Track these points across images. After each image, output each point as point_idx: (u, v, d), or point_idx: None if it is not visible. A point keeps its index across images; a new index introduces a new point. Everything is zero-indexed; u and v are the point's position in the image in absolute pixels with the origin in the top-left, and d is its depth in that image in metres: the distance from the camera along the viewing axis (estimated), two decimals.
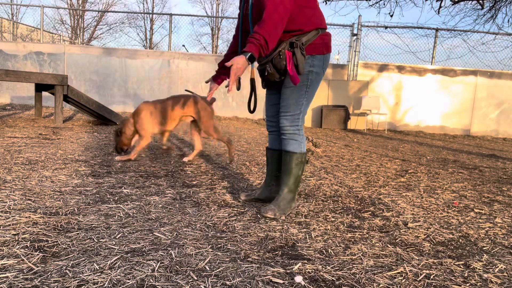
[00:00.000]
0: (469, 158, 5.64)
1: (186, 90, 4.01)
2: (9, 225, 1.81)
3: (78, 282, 1.33)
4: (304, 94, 2.19)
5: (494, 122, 10.24)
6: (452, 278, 1.55)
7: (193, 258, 1.58)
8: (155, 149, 4.44)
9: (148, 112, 3.56)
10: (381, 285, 1.45)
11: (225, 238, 1.82)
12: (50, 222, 1.88)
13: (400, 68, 10.10)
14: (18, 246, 1.59)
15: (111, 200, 2.33)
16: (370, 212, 2.43)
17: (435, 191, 3.17)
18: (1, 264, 1.43)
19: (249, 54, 1.94)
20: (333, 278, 1.48)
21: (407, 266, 1.63)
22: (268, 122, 2.43)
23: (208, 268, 1.49)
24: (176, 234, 1.83)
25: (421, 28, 10.27)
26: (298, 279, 1.44)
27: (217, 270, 1.48)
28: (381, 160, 4.82)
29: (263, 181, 2.57)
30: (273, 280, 1.43)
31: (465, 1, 8.65)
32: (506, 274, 1.62)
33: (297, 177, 2.25)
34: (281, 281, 1.42)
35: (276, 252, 1.70)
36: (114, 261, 1.51)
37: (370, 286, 1.43)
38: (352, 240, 1.92)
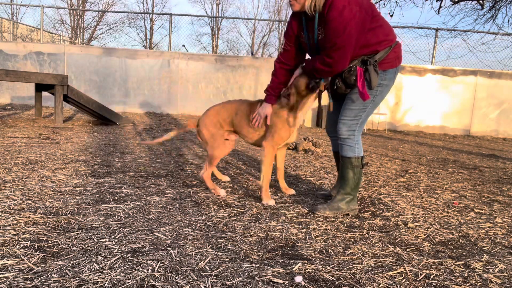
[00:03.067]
0: (469, 158, 5.64)
1: None
2: (9, 225, 1.81)
3: (78, 282, 1.33)
4: (369, 103, 2.25)
5: (494, 122, 10.23)
6: (452, 278, 1.55)
7: (193, 258, 1.58)
8: (154, 149, 4.44)
9: None
10: (381, 285, 1.45)
11: (225, 238, 1.82)
12: (50, 222, 1.88)
13: (400, 68, 10.10)
14: (18, 246, 1.59)
15: (111, 200, 2.33)
16: (370, 212, 2.43)
17: (435, 191, 3.17)
18: (1, 264, 1.43)
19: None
20: (333, 278, 1.48)
21: (407, 266, 1.63)
22: (329, 128, 2.59)
23: (208, 268, 1.49)
24: (176, 234, 1.83)
25: (421, 28, 10.27)
26: (298, 279, 1.44)
27: (217, 270, 1.48)
28: (381, 160, 4.82)
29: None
30: (273, 280, 1.43)
31: (465, 1, 8.65)
32: (506, 274, 1.62)
33: (352, 180, 2.32)
34: (281, 281, 1.42)
35: (276, 252, 1.70)
36: (114, 261, 1.51)
37: (370, 286, 1.43)
38: (352, 240, 1.92)
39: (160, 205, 2.28)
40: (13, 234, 1.71)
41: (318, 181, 3.27)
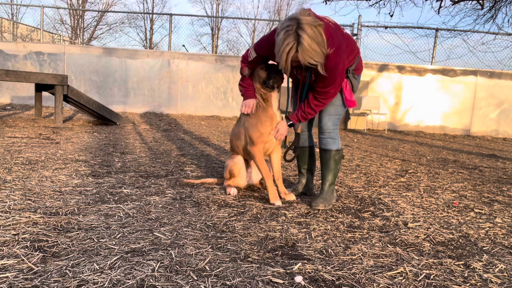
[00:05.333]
0: (469, 158, 5.64)
1: None
2: (9, 225, 1.81)
3: (78, 282, 1.33)
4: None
5: (494, 122, 10.23)
6: (452, 278, 1.55)
7: (193, 258, 1.58)
8: (154, 149, 4.44)
9: None
10: (381, 285, 1.45)
11: (225, 238, 1.82)
12: (50, 222, 1.88)
13: (400, 68, 10.10)
14: (18, 246, 1.59)
15: (111, 200, 2.33)
16: (370, 212, 2.43)
17: (435, 191, 3.17)
18: (1, 264, 1.43)
19: (290, 122, 2.47)
20: (333, 278, 1.48)
21: (407, 266, 1.63)
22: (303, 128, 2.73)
23: (208, 268, 1.49)
24: (176, 234, 1.83)
25: (421, 28, 10.26)
26: (298, 279, 1.44)
27: (217, 270, 1.48)
28: (381, 160, 4.82)
29: (303, 177, 2.81)
30: (273, 280, 1.43)
31: (465, 1, 8.64)
32: (506, 274, 1.62)
33: (336, 171, 2.54)
34: (281, 281, 1.42)
35: (276, 252, 1.70)
36: (114, 261, 1.51)
37: (370, 286, 1.43)
38: (352, 240, 1.92)
39: (160, 205, 2.28)
40: (13, 234, 1.71)
41: (318, 181, 3.27)
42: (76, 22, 23.52)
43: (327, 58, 2.12)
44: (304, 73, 2.36)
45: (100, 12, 23.64)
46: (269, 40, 2.28)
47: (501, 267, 1.69)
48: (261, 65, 2.48)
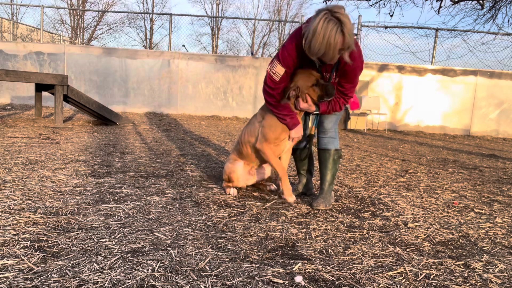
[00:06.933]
0: (469, 158, 5.64)
1: None
2: (9, 225, 1.81)
3: (78, 282, 1.33)
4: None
5: (494, 122, 10.23)
6: (452, 278, 1.55)
7: (193, 258, 1.58)
8: (154, 149, 4.44)
9: None
10: (381, 285, 1.45)
11: (225, 238, 1.82)
12: (50, 222, 1.88)
13: (400, 68, 10.09)
14: (18, 246, 1.59)
15: (111, 200, 2.33)
16: (370, 212, 2.43)
17: (435, 191, 3.17)
18: (1, 264, 1.43)
19: (317, 112, 2.43)
20: (333, 278, 1.48)
21: (407, 266, 1.63)
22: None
23: (208, 268, 1.49)
24: (176, 234, 1.83)
25: (421, 28, 10.25)
26: (298, 279, 1.44)
27: (217, 270, 1.48)
28: (381, 160, 4.82)
29: (303, 177, 2.82)
30: (273, 280, 1.43)
31: (465, 1, 8.64)
32: (506, 274, 1.62)
33: (335, 171, 2.57)
34: (281, 281, 1.42)
35: (276, 252, 1.70)
36: (114, 261, 1.51)
37: (370, 286, 1.43)
38: (352, 240, 1.92)
39: (160, 205, 2.28)
40: (13, 234, 1.71)
41: (318, 181, 3.27)
42: (76, 22, 23.51)
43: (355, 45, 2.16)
44: (330, 73, 2.35)
45: (100, 12, 23.63)
46: (295, 44, 2.21)
47: (501, 267, 1.69)
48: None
